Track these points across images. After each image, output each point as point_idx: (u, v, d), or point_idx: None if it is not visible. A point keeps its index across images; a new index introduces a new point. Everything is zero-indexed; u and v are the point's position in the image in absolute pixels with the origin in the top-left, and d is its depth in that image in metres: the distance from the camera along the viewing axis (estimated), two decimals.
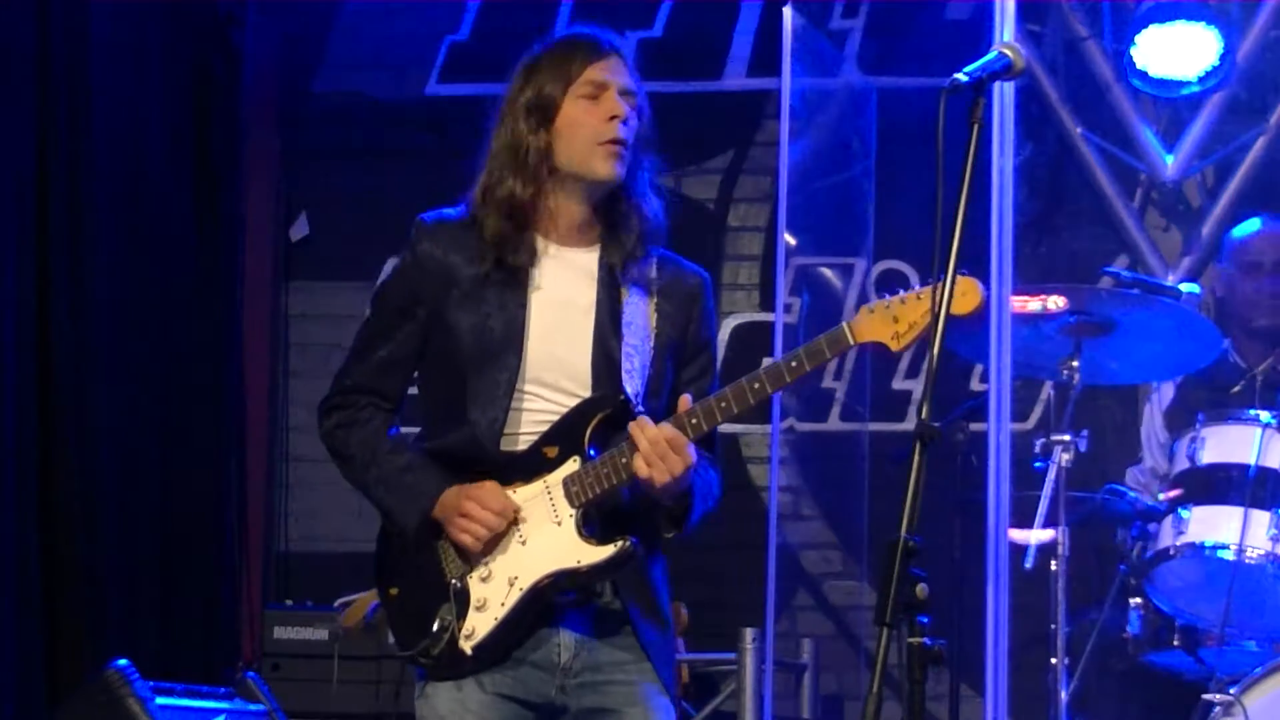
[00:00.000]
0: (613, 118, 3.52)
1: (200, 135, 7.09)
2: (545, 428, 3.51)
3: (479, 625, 3.47)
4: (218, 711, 5.40)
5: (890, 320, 3.44)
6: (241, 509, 7.12)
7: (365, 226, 7.09)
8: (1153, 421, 5.56)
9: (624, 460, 3.45)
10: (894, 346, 3.45)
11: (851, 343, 3.46)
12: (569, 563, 3.46)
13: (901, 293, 3.46)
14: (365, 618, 5.82)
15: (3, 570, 5.80)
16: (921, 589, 2.88)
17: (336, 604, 6.42)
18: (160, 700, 5.25)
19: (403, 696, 6.00)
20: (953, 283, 3.06)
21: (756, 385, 3.45)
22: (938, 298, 3.04)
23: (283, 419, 7.37)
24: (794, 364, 3.45)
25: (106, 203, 6.40)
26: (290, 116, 7.46)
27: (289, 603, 6.54)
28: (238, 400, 7.18)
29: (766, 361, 3.66)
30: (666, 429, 3.42)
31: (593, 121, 3.53)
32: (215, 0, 7.25)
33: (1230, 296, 5.51)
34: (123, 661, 5.25)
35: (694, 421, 3.45)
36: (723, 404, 3.45)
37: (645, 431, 3.40)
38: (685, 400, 3.46)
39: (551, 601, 3.49)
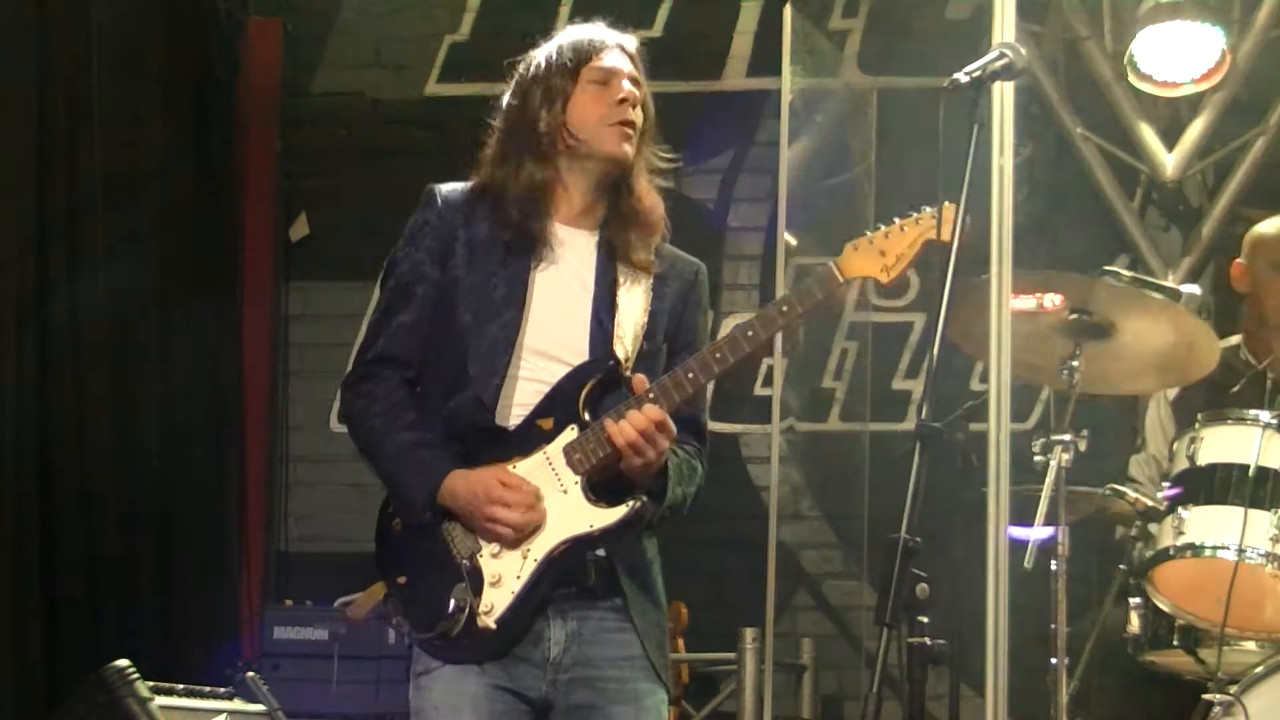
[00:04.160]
0: (622, 100, 3.60)
1: (200, 135, 7.10)
2: (539, 399, 3.53)
3: (497, 600, 3.48)
4: (218, 711, 5.40)
5: (878, 254, 3.48)
6: (241, 509, 7.12)
7: (365, 226, 7.09)
8: (1159, 410, 5.54)
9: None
10: (884, 279, 3.48)
11: (841, 280, 3.48)
12: (581, 528, 3.48)
13: (883, 227, 3.49)
14: (376, 609, 5.81)
15: (2, 570, 5.81)
16: (922, 589, 2.88)
17: (336, 604, 6.42)
18: (160, 700, 5.24)
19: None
20: (954, 259, 3.07)
21: (750, 333, 3.46)
22: (936, 315, 3.05)
23: (283, 419, 7.37)
24: (785, 307, 3.48)
25: (106, 202, 6.40)
26: (290, 116, 7.47)
27: (289, 603, 6.54)
28: (238, 400, 7.19)
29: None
30: (652, 413, 3.42)
31: (602, 105, 3.60)
32: (215, 0, 7.26)
33: (1260, 295, 5.47)
34: (123, 661, 5.25)
35: (690, 376, 3.47)
36: (718, 354, 3.48)
37: (632, 422, 3.42)
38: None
39: (548, 594, 3.49)
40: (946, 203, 3.34)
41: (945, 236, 3.32)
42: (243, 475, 7.16)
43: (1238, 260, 5.57)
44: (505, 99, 3.69)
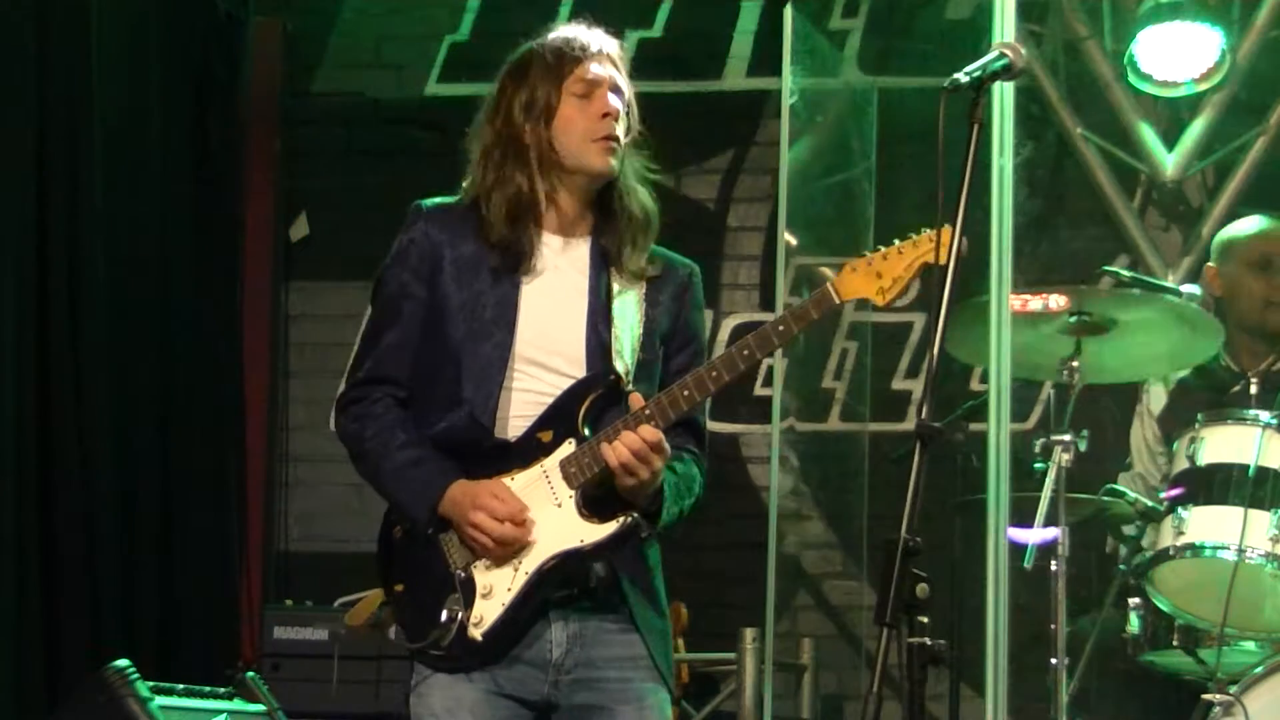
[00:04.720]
0: (605, 115, 3.59)
1: (200, 135, 7.09)
2: (538, 410, 3.54)
3: (487, 612, 3.48)
4: (218, 711, 5.40)
5: (874, 276, 3.48)
6: (241, 509, 7.12)
7: (365, 226, 7.08)
8: (1143, 428, 5.53)
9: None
10: (879, 301, 3.50)
11: (837, 301, 3.49)
12: (573, 543, 3.48)
13: (882, 249, 3.50)
14: (374, 615, 5.82)
15: (2, 570, 5.80)
16: (922, 589, 2.88)
17: (336, 604, 6.41)
18: (160, 700, 5.24)
19: None
20: (955, 259, 3.06)
21: (745, 352, 3.47)
22: (936, 315, 3.04)
23: (282, 419, 7.37)
24: (781, 328, 3.48)
25: (106, 202, 6.39)
26: (290, 116, 7.46)
27: (289, 603, 6.54)
28: (237, 400, 7.18)
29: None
30: (646, 433, 3.43)
31: (585, 119, 3.60)
32: (215, 0, 7.26)
33: (1236, 297, 5.44)
34: (123, 661, 5.25)
35: (686, 394, 3.48)
36: (714, 373, 3.48)
37: (625, 443, 3.43)
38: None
39: (548, 597, 3.50)
40: (946, 226, 3.32)
41: (943, 260, 3.31)
42: (243, 475, 7.15)
43: (1209, 264, 5.55)
44: (487, 105, 3.68)
